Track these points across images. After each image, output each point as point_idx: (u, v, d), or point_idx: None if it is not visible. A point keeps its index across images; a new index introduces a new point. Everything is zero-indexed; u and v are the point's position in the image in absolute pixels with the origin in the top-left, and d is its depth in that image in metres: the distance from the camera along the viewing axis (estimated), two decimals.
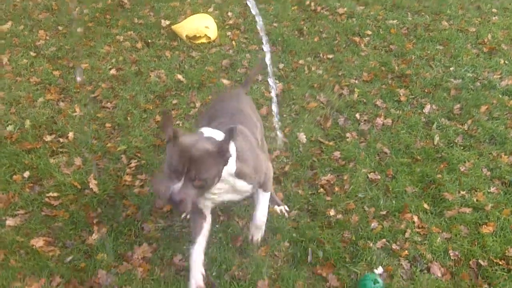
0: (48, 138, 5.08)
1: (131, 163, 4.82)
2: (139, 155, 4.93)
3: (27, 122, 5.24)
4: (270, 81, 5.00)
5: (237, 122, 3.64)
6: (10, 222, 4.20)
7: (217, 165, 3.16)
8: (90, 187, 4.54)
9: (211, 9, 7.53)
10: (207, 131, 3.36)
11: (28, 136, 5.07)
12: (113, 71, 6.17)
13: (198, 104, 5.59)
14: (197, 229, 3.61)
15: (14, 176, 4.62)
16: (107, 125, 5.31)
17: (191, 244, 3.61)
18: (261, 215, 3.87)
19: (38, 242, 4.02)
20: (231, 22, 7.27)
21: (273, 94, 5.14)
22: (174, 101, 5.66)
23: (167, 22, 7.16)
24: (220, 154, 3.14)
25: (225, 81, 6.01)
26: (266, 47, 4.84)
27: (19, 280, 3.72)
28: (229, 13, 7.45)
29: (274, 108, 5.06)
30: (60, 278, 3.75)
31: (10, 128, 5.18)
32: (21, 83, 5.92)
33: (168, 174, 3.10)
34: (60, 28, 7.05)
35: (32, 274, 3.78)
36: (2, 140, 5.00)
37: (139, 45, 6.71)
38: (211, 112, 4.09)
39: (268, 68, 5.03)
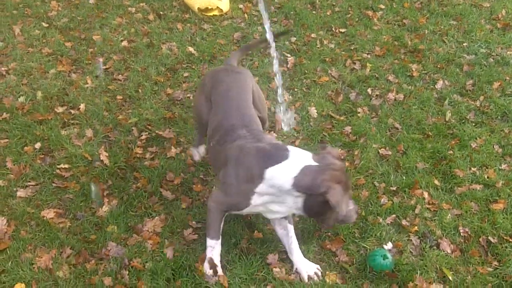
0: (60, 109, 5.08)
1: (142, 136, 4.83)
2: (150, 127, 4.93)
3: (39, 94, 5.24)
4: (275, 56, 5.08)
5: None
6: (21, 193, 4.22)
7: None
8: (101, 159, 4.55)
9: None
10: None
11: (39, 107, 5.07)
12: (124, 43, 6.14)
13: None
14: None
15: (26, 148, 4.63)
16: (118, 97, 5.30)
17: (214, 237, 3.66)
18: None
19: (49, 214, 4.04)
20: None
21: (275, 69, 5.17)
22: (186, 74, 5.64)
23: None
24: None
25: None
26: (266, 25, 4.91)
27: (30, 251, 3.75)
28: None
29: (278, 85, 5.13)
30: (70, 249, 3.77)
31: (21, 99, 5.18)
32: (33, 54, 5.91)
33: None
34: None
35: (43, 245, 3.80)
36: (13, 111, 5.01)
37: (151, 17, 6.68)
38: (214, 98, 4.03)
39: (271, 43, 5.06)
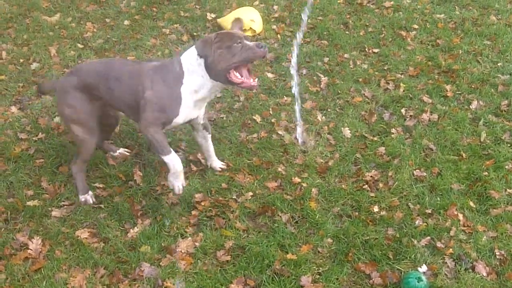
0: None
1: None
2: (182, 148, 4.96)
3: None
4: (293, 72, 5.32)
5: None
6: (56, 213, 4.28)
7: None
8: (135, 178, 4.59)
9: (256, 2, 7.52)
10: None
11: None
12: None
13: (242, 98, 5.59)
14: None
15: (60, 168, 4.70)
16: None
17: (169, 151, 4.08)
18: None
19: (83, 234, 4.08)
20: (276, 15, 7.25)
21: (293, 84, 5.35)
22: (219, 95, 5.67)
23: (213, 15, 7.17)
24: None
25: (270, 75, 5.99)
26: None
27: (64, 271, 3.79)
28: (275, 7, 7.43)
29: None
30: (104, 269, 3.80)
31: (56, 119, 5.26)
32: None
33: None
34: (107, 20, 7.14)
35: (77, 265, 3.84)
36: (49, 131, 5.09)
37: (184, 38, 6.74)
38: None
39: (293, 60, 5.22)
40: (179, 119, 4.08)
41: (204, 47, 3.84)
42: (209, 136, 4.58)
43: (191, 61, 3.96)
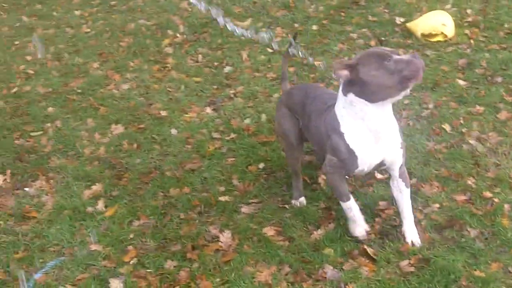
0: None
1: None
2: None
3: (263, 116, 5.52)
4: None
5: None
6: (245, 209, 4.48)
7: None
8: (319, 181, 4.66)
9: (448, 6, 7.28)
10: None
11: (263, 129, 5.34)
12: None
13: (431, 105, 5.46)
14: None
15: (250, 167, 4.91)
16: None
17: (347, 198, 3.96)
18: None
19: (269, 231, 4.22)
20: (470, 19, 6.97)
21: None
22: (406, 101, 5.58)
23: (402, 20, 7.07)
24: None
25: (461, 82, 5.78)
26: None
27: (251, 265, 3.94)
28: (468, 10, 7.14)
29: None
30: (289, 267, 3.90)
31: (247, 121, 5.50)
32: (259, 78, 6.25)
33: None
34: (296, 25, 7.32)
35: (264, 261, 3.97)
36: (240, 132, 5.33)
37: (372, 42, 6.72)
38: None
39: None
40: (361, 170, 3.87)
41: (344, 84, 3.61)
42: (407, 190, 3.99)
43: (341, 105, 3.68)
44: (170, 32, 7.50)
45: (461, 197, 4.37)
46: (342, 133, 3.69)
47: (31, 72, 6.87)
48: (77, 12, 8.40)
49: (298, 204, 4.48)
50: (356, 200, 4.15)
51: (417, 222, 4.11)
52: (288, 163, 4.60)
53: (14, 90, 6.48)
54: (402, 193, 3.97)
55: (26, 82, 6.64)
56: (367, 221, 4.16)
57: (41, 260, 4.14)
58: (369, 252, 3.95)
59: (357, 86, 3.52)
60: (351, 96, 3.57)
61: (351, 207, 3.99)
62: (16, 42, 7.71)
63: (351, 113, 3.62)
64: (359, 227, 4.04)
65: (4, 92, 6.47)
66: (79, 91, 6.37)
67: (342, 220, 4.25)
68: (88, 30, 7.87)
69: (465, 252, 3.91)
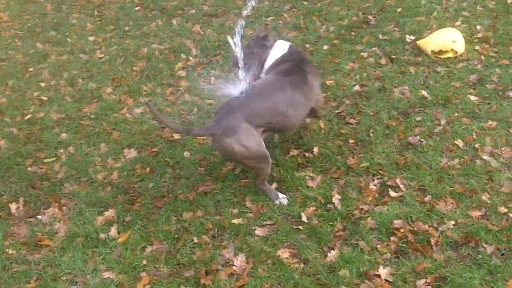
0: (295, 152, 5.29)
1: (374, 180, 4.84)
2: (381, 172, 4.92)
3: (276, 137, 5.51)
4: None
5: None
6: (258, 232, 4.46)
7: None
8: (333, 201, 4.64)
9: (458, 23, 7.27)
10: None
11: (276, 150, 5.33)
12: (356, 88, 6.24)
13: (443, 122, 5.42)
14: None
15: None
16: (351, 141, 5.38)
17: None
18: None
19: (283, 253, 4.21)
20: (479, 35, 6.94)
21: None
22: (418, 118, 5.56)
23: (412, 37, 7.06)
24: None
25: (473, 98, 5.75)
26: None
27: None
28: (478, 26, 7.12)
29: None
30: None
31: None
32: None
33: None
34: (307, 45, 7.32)
35: (279, 284, 3.96)
36: None
37: (383, 61, 6.71)
38: None
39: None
40: None
41: None
42: None
43: None
44: (183, 55, 7.54)
45: (476, 213, 4.34)
46: None
47: (45, 98, 6.92)
48: (91, 38, 8.47)
49: (284, 202, 4.70)
50: (371, 219, 4.13)
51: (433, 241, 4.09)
52: (266, 174, 4.69)
53: (28, 116, 6.52)
54: None
55: (40, 109, 6.69)
56: (381, 239, 4.15)
57: None
58: (385, 272, 3.92)
59: None
60: None
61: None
62: (30, 69, 7.77)
63: None
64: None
65: (17, 119, 6.51)
66: (92, 116, 6.41)
67: (360, 241, 4.23)
68: (102, 55, 7.92)
69: (482, 269, 3.88)
